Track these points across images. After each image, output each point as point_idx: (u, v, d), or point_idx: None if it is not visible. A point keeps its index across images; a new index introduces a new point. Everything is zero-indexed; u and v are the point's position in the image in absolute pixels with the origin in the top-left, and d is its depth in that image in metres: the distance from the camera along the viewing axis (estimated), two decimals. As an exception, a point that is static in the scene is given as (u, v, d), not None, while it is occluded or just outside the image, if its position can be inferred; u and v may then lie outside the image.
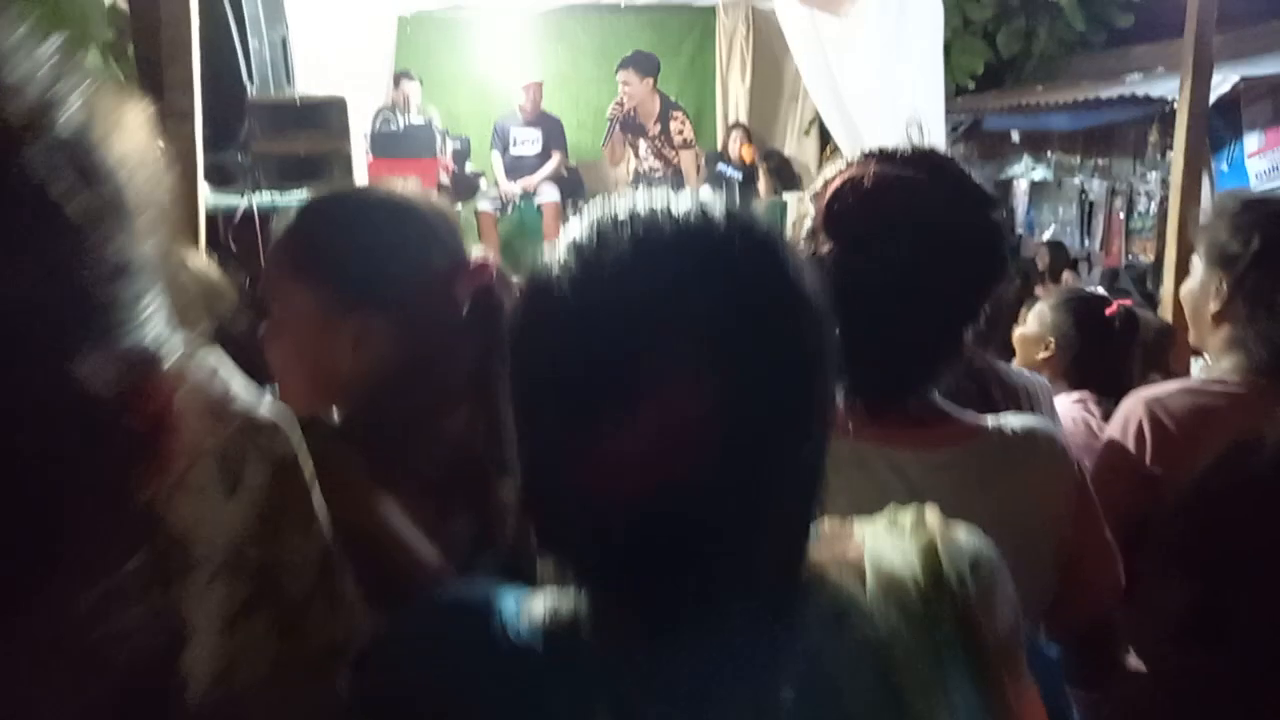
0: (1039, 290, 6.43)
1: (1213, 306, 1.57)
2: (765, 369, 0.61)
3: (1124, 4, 6.57)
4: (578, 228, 0.65)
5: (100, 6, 5.14)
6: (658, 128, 6.30)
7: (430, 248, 1.07)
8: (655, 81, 6.28)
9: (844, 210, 1.08)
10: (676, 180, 6.37)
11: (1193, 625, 1.16)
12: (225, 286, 1.03)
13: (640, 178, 6.48)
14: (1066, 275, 6.66)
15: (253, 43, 3.70)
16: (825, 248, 1.07)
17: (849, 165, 1.13)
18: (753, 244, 0.65)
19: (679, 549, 0.61)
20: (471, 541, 1.06)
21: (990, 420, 1.10)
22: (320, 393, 1.08)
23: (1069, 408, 2.02)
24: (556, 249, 0.65)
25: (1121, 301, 2.23)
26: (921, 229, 1.04)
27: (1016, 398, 1.51)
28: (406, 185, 1.15)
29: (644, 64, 6.25)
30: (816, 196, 1.13)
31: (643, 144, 6.43)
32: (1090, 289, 2.72)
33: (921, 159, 1.11)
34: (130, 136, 0.45)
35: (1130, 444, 1.52)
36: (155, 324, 0.44)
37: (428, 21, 7.14)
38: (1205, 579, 1.16)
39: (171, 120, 3.20)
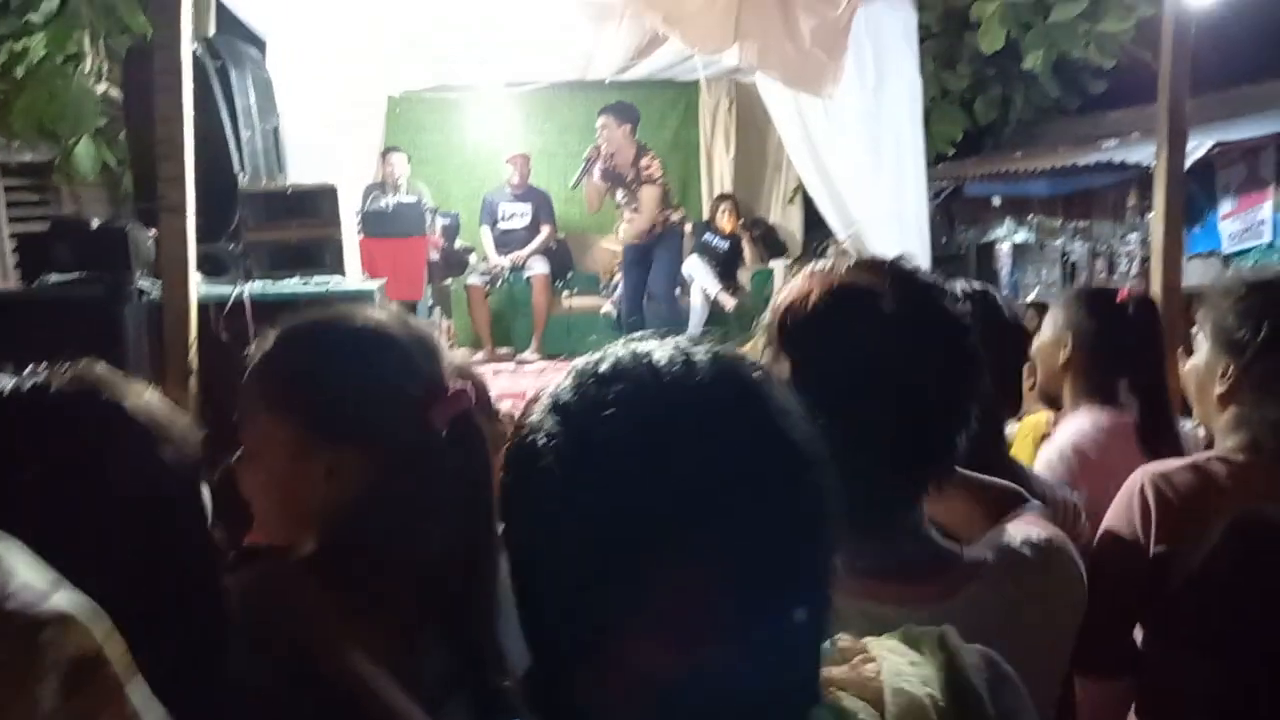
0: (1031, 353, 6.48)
1: (1219, 388, 1.57)
2: (767, 523, 0.61)
3: (1096, 71, 6.73)
4: (560, 389, 0.65)
5: (93, 95, 5.22)
6: (633, 172, 6.34)
7: (407, 378, 1.06)
8: (634, 130, 6.33)
9: (796, 325, 1.02)
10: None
11: (1218, 706, 1.15)
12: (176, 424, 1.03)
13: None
14: None
15: (244, 134, 3.75)
16: (784, 368, 1.01)
17: (799, 282, 1.08)
18: (742, 394, 0.64)
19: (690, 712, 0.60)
20: (446, 680, 1.04)
21: (994, 542, 1.03)
22: (292, 523, 1.07)
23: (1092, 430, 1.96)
24: (541, 409, 0.65)
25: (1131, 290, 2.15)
26: (874, 332, 0.98)
27: (1055, 505, 1.47)
28: (386, 310, 1.14)
29: (623, 112, 6.30)
30: (771, 319, 1.08)
31: (620, 192, 6.48)
32: None
33: (867, 264, 1.06)
34: None
35: (1136, 519, 1.51)
36: None
37: (416, 100, 7.25)
38: (1227, 658, 1.15)
39: (166, 214, 3.24)
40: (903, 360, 0.96)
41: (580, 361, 0.67)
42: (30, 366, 0.98)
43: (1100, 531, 1.56)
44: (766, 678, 0.61)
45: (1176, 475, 1.51)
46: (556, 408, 0.64)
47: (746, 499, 0.60)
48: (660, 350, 0.65)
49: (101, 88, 5.03)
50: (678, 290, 6.90)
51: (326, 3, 4.37)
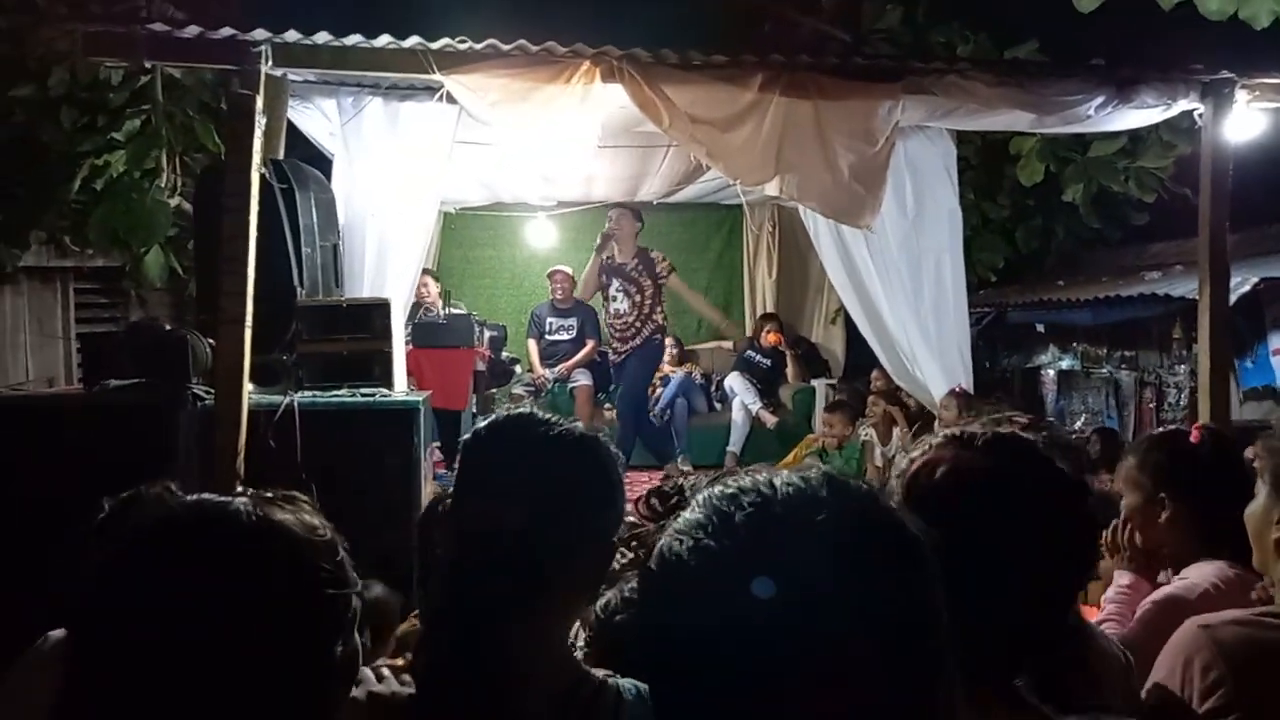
0: (1092, 481, 6.35)
1: (1276, 534, 1.53)
2: (900, 656, 0.65)
3: (1138, 204, 6.80)
4: (694, 514, 0.71)
5: (166, 208, 5.51)
6: (635, 262, 6.65)
7: None
8: (638, 231, 6.69)
9: (923, 495, 1.07)
10: (647, 306, 6.65)
11: None
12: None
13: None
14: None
15: (305, 250, 3.93)
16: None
17: (930, 448, 1.13)
18: (875, 527, 0.70)
19: None
20: None
21: None
22: None
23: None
24: (677, 532, 0.71)
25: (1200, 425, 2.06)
26: (1002, 520, 1.02)
27: (1109, 664, 1.46)
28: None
29: (635, 212, 6.72)
30: (900, 476, 1.12)
31: (616, 282, 6.70)
32: None
33: (1004, 446, 1.10)
34: None
35: (1179, 677, 1.47)
36: None
37: (471, 217, 7.54)
38: None
39: (225, 326, 3.39)
40: (1025, 551, 1.01)
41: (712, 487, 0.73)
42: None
43: (1149, 691, 1.51)
44: None
45: (1226, 631, 1.44)
46: (692, 529, 0.70)
47: (883, 622, 0.66)
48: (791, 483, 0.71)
49: (174, 201, 5.31)
50: (657, 408, 7.04)
51: (389, 128, 4.61)
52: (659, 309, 6.74)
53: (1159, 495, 1.97)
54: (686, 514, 0.72)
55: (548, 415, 1.21)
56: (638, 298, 6.67)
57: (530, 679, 1.09)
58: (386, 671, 1.15)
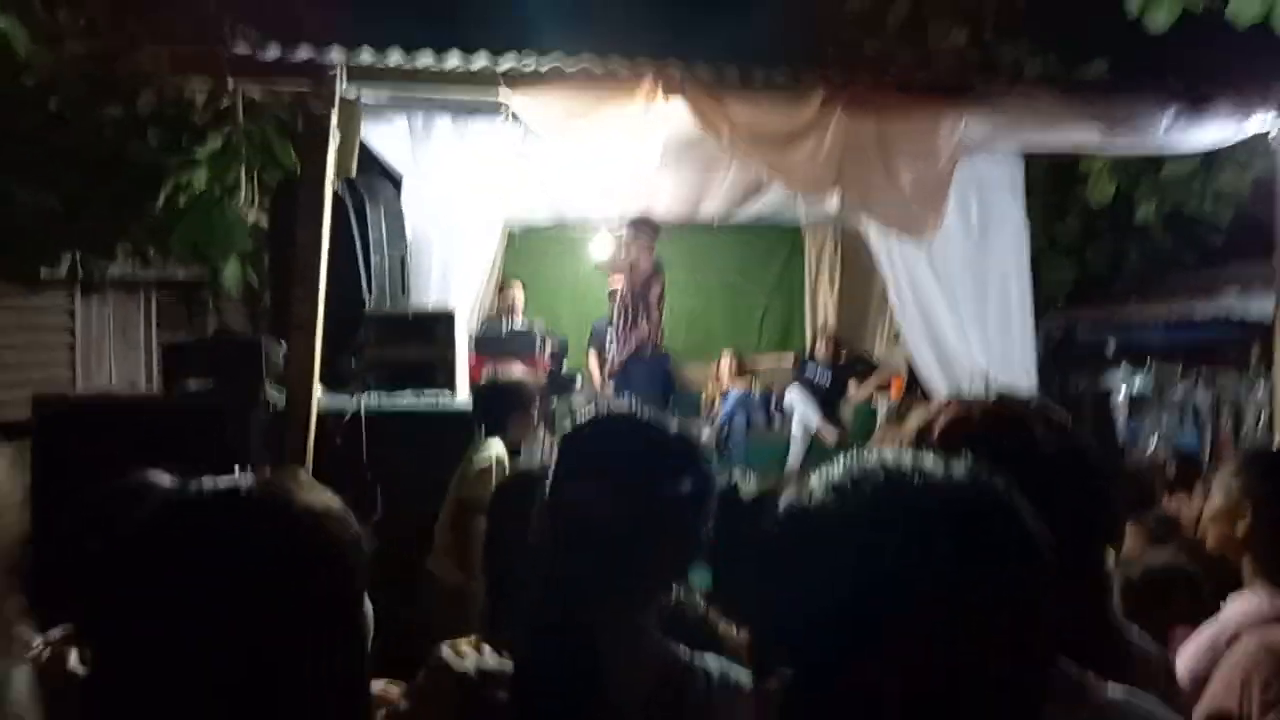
0: (1167, 502, 6.16)
1: None
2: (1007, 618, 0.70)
3: (1213, 224, 6.62)
4: (831, 474, 0.76)
5: (244, 223, 5.72)
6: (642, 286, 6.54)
7: None
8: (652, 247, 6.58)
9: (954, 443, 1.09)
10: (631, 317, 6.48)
11: None
12: None
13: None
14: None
15: (374, 259, 4.06)
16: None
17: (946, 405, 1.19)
18: (993, 500, 0.74)
19: None
20: None
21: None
22: None
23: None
24: (812, 488, 0.75)
25: None
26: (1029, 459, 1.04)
27: (1148, 666, 1.44)
28: None
29: (642, 226, 6.60)
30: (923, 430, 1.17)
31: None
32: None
33: (1001, 408, 1.16)
34: None
35: (1237, 693, 1.44)
36: None
37: (534, 234, 7.65)
38: None
39: (296, 332, 3.52)
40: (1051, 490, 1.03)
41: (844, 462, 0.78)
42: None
43: (1205, 707, 1.48)
44: None
45: None
46: (834, 487, 0.75)
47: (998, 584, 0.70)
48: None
49: (252, 217, 5.52)
50: (715, 424, 7.02)
51: (457, 146, 4.74)
52: (643, 319, 6.57)
53: (1243, 507, 1.92)
54: (826, 472, 0.77)
55: (646, 414, 1.27)
56: (620, 305, 6.62)
57: (625, 661, 1.14)
58: (467, 649, 1.19)
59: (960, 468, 0.75)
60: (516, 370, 4.12)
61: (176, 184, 5.50)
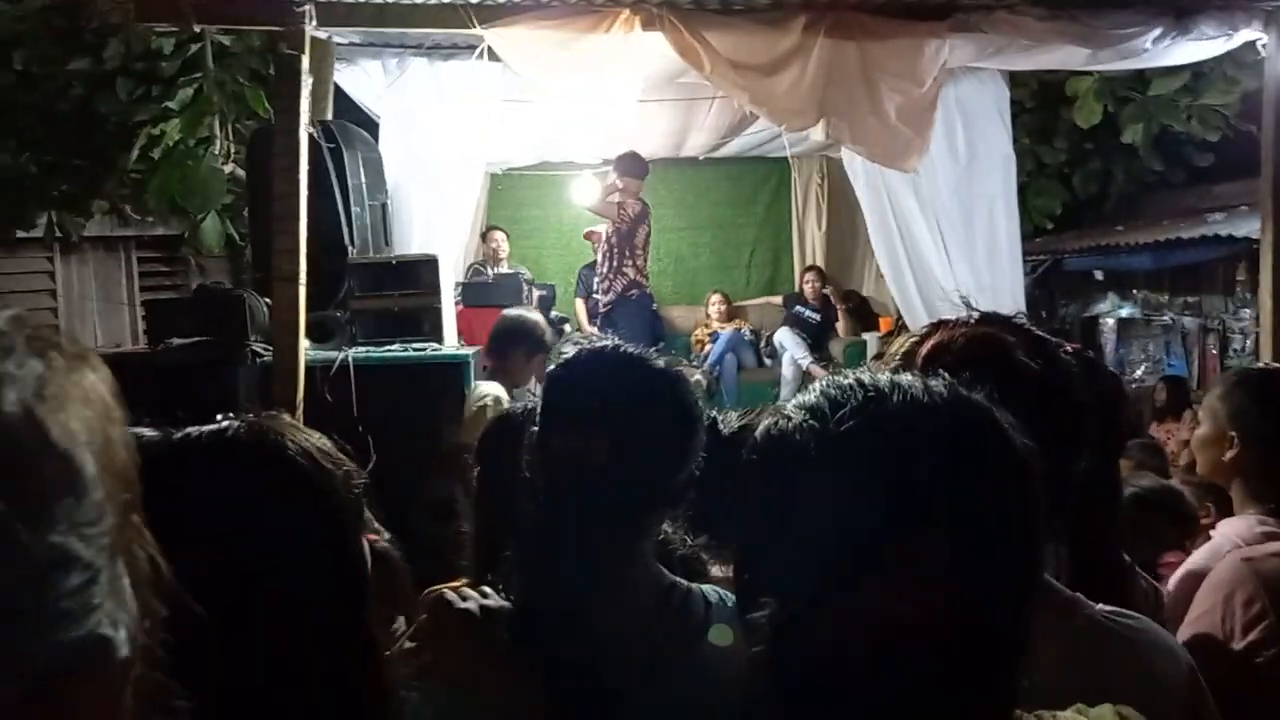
0: (1156, 430, 6.21)
1: None
2: (995, 533, 0.68)
3: (1201, 144, 6.58)
4: (807, 397, 0.74)
5: (220, 174, 5.62)
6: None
7: None
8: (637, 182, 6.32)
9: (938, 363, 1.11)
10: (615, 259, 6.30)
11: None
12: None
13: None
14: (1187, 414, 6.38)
15: (355, 209, 4.00)
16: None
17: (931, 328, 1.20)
18: (978, 416, 0.72)
19: (909, 699, 0.67)
20: None
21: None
22: None
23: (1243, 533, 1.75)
24: (787, 413, 0.73)
25: None
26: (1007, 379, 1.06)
27: (1137, 597, 1.42)
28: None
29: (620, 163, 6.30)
30: (906, 355, 1.18)
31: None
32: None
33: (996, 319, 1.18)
34: (86, 410, 0.42)
35: (1220, 611, 1.44)
36: (96, 617, 0.40)
37: (516, 178, 7.56)
38: None
39: (279, 283, 3.48)
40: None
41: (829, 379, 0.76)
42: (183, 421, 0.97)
43: (1189, 626, 1.46)
44: (973, 646, 0.68)
45: (1271, 564, 1.43)
46: (810, 408, 0.73)
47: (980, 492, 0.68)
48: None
49: (229, 168, 5.43)
50: (706, 365, 6.97)
51: (433, 88, 4.65)
52: (628, 263, 6.34)
53: (1229, 433, 1.89)
54: (800, 396, 0.75)
55: (630, 348, 1.26)
56: (605, 248, 6.45)
57: (625, 590, 1.16)
58: (467, 590, 1.20)
59: (941, 385, 0.72)
60: (532, 314, 4.04)
61: (149, 137, 5.39)
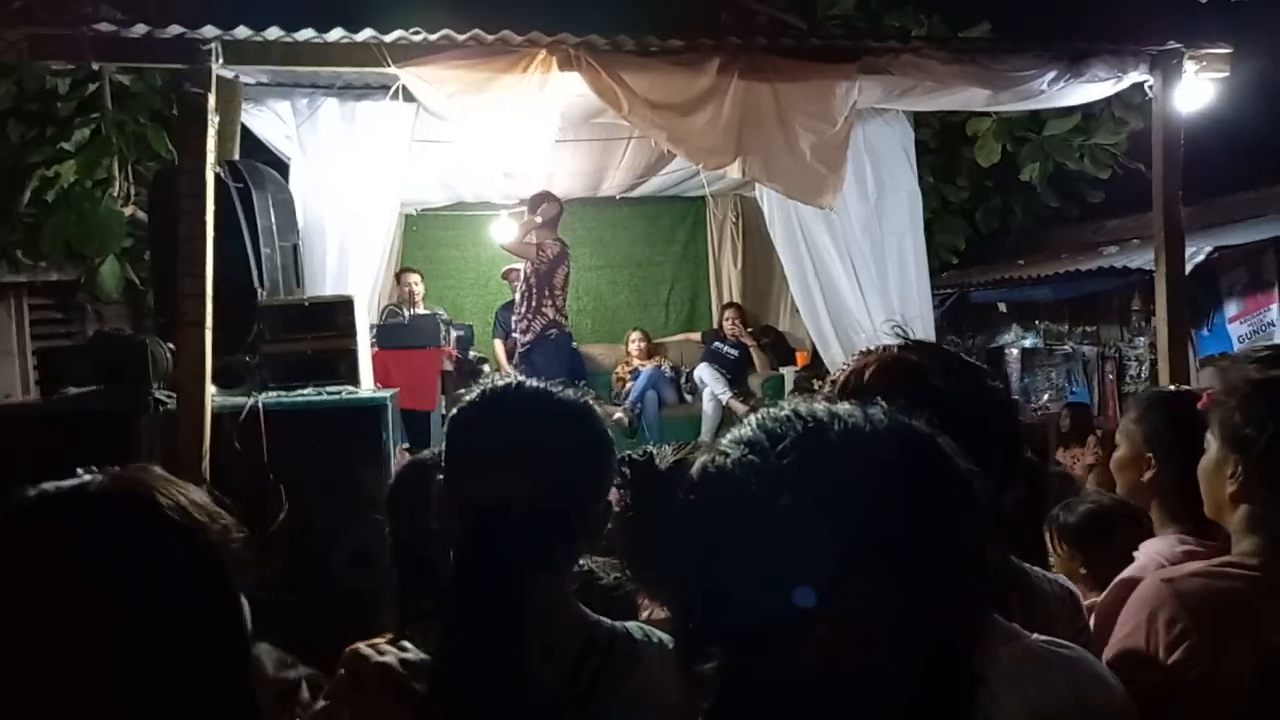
0: (1062, 455, 6.41)
1: (1229, 487, 1.50)
2: (939, 567, 0.66)
3: (1093, 181, 6.90)
4: (743, 431, 0.71)
5: (120, 217, 5.42)
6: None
7: None
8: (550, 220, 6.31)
9: (856, 389, 1.12)
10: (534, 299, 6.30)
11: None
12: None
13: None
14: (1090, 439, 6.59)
15: (264, 251, 3.88)
16: None
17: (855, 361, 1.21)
18: (922, 444, 0.70)
19: None
20: None
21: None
22: None
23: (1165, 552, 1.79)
24: (723, 448, 0.70)
25: (1210, 391, 1.90)
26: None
27: (1035, 607, 1.42)
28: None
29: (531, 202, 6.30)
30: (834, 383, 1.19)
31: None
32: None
33: (916, 345, 1.20)
34: None
35: (1144, 631, 1.46)
36: None
37: (432, 218, 7.49)
38: None
39: (185, 328, 3.34)
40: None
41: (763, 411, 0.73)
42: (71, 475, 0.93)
43: (1113, 647, 1.47)
44: (929, 681, 0.66)
45: (1188, 584, 1.44)
46: (743, 442, 0.69)
47: (932, 537, 0.66)
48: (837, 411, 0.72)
49: (129, 210, 5.23)
50: (627, 402, 7.00)
51: (346, 129, 4.56)
52: (548, 303, 6.30)
53: (1146, 454, 1.92)
54: (735, 431, 0.72)
55: (532, 383, 1.22)
56: (523, 288, 6.42)
57: (547, 636, 1.12)
58: (385, 645, 1.15)
59: (880, 413, 0.70)
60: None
61: (43, 179, 5.16)
